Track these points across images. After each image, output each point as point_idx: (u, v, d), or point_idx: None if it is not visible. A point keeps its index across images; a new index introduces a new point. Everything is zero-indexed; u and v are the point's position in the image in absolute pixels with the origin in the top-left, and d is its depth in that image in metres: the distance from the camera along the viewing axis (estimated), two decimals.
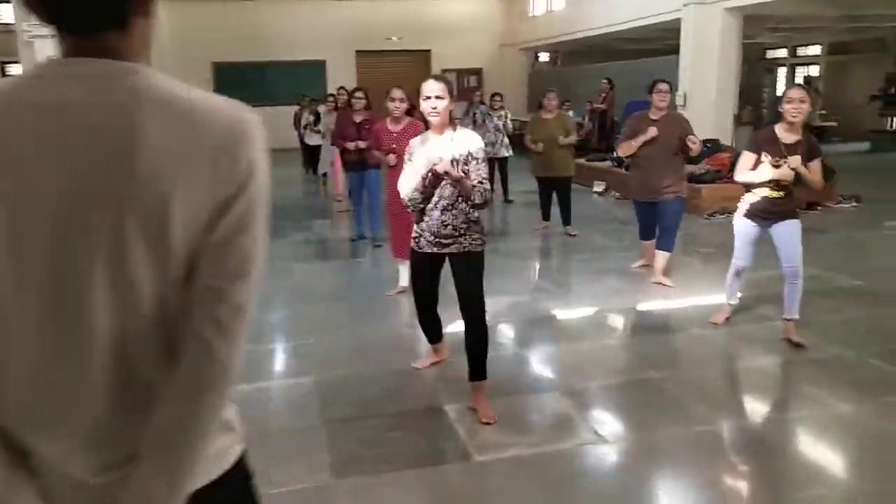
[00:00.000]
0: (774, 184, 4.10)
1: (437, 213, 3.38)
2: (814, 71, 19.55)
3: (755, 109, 14.01)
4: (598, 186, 10.73)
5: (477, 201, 3.32)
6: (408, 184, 3.38)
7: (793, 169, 3.99)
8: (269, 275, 6.32)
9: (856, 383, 3.76)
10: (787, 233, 4.20)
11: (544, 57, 22.25)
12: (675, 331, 4.70)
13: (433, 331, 3.92)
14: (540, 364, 4.15)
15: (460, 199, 3.34)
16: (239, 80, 19.23)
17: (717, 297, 5.23)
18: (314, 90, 19.69)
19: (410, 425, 3.41)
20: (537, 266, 6.58)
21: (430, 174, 3.28)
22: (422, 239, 3.46)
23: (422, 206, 3.40)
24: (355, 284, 6.14)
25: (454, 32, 20.50)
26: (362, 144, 6.86)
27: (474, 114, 10.80)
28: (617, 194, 10.25)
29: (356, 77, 20.14)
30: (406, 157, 3.50)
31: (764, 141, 4.17)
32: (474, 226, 3.41)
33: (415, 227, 3.52)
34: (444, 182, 3.31)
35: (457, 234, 3.38)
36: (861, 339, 4.36)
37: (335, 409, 3.60)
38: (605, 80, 13.77)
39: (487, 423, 3.37)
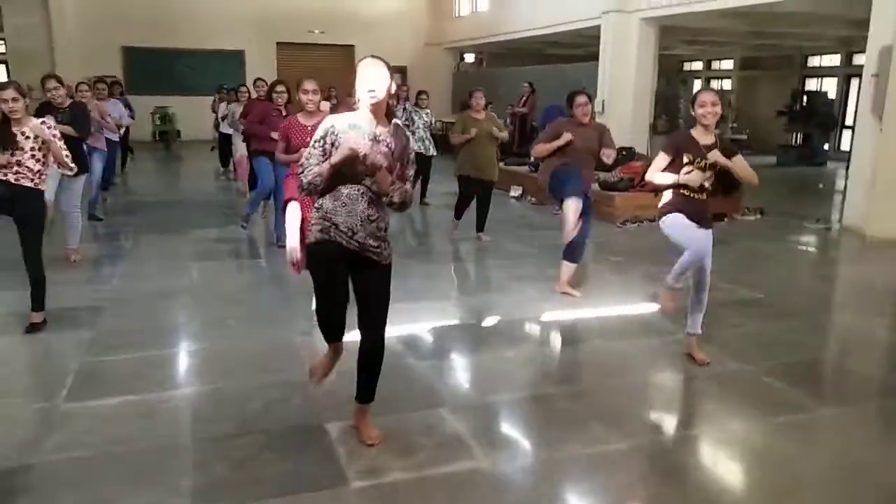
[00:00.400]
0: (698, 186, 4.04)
1: (361, 206, 2.96)
2: (727, 85, 20.23)
3: (670, 119, 14.29)
4: (515, 191, 10.67)
5: (396, 201, 3.00)
6: (311, 167, 2.92)
7: (713, 164, 3.91)
8: (163, 274, 5.93)
9: (752, 401, 3.73)
10: (709, 240, 4.15)
11: (470, 58, 22.21)
12: (578, 343, 4.60)
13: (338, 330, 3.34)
14: (435, 378, 3.93)
15: (384, 196, 2.98)
16: (150, 66, 18.40)
17: (623, 306, 5.19)
18: (232, 81, 18.99)
19: (288, 445, 3.14)
20: (445, 273, 6.39)
21: (347, 161, 2.87)
22: (334, 232, 2.97)
23: (318, 190, 2.97)
24: (255, 286, 5.79)
25: (379, 28, 20.17)
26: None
27: (403, 111, 10.58)
28: (533, 199, 10.21)
29: (276, 69, 19.57)
30: (316, 137, 2.99)
31: (683, 143, 4.06)
32: (386, 233, 3.11)
33: (315, 213, 3.03)
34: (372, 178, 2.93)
35: (380, 234, 3.04)
36: (759, 353, 4.35)
37: (209, 426, 3.30)
38: (526, 84, 13.77)
39: (371, 445, 3.15)
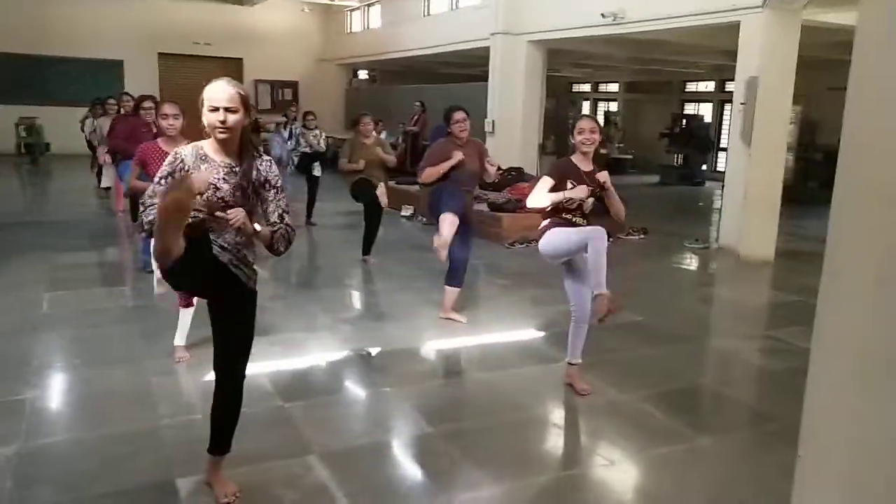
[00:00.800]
0: (578, 210, 3.98)
1: (215, 248, 2.63)
2: (613, 106, 20.98)
3: (558, 139, 14.60)
4: (406, 210, 10.50)
5: (281, 250, 2.75)
6: (154, 206, 2.55)
7: (598, 186, 3.91)
8: (7, 309, 5.32)
9: (633, 432, 3.66)
10: (597, 252, 4.06)
11: (363, 74, 21.99)
12: (460, 375, 4.43)
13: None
14: (304, 421, 3.62)
15: (240, 236, 2.67)
16: (16, 74, 17.05)
17: (508, 332, 5.07)
18: (110, 92, 17.92)
19: None
20: (327, 298, 6.08)
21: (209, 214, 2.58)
22: (180, 275, 2.67)
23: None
24: (112, 319, 5.27)
25: (269, 43, 19.66)
26: None
27: (290, 130, 10.20)
28: (424, 219, 10.06)
29: (158, 81, 18.65)
30: (162, 172, 2.65)
31: (566, 170, 4.02)
32: (249, 257, 2.76)
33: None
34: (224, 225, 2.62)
35: (236, 258, 2.70)
36: (638, 381, 4.32)
37: (30, 492, 2.87)
38: (417, 103, 13.70)
39: None
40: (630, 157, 18.78)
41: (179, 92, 18.44)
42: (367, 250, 7.21)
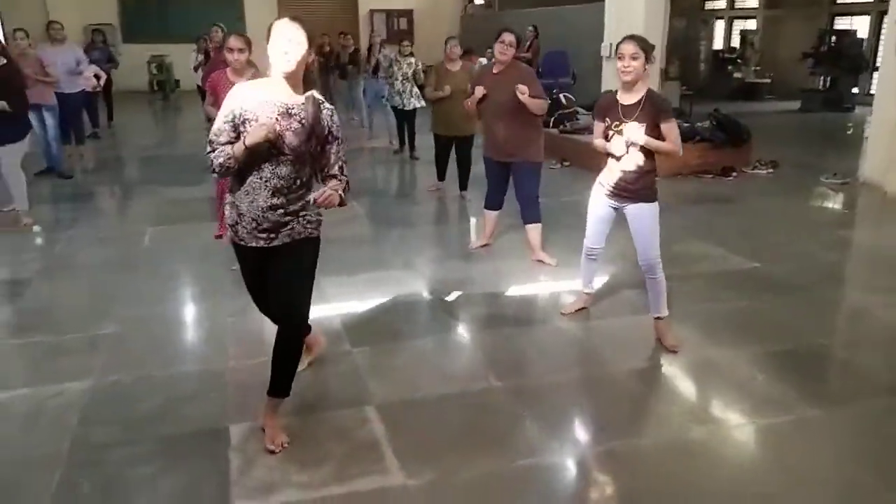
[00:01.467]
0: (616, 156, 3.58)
1: (264, 195, 2.61)
2: (751, 25, 19.08)
3: (684, 63, 13.46)
4: None
5: (346, 204, 2.69)
6: (221, 147, 2.58)
7: (628, 141, 3.45)
8: (113, 241, 5.55)
9: (728, 398, 3.26)
10: (638, 219, 3.64)
11: (481, 0, 21.19)
12: (538, 323, 4.11)
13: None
14: (368, 368, 3.49)
15: (298, 180, 2.65)
16: (146, 13, 17.81)
17: (602, 277, 4.68)
18: (230, 26, 18.34)
19: (175, 455, 2.75)
20: (414, 237, 5.90)
21: (262, 143, 2.52)
22: (240, 227, 2.69)
23: (233, 172, 2.64)
24: (205, 256, 5.34)
25: None
26: None
27: (377, 60, 9.97)
28: None
29: (277, 14, 18.85)
30: (224, 110, 2.62)
31: (605, 106, 3.61)
32: (308, 206, 2.70)
33: (227, 208, 2.74)
34: (282, 158, 2.59)
35: (288, 218, 2.67)
36: (744, 337, 3.85)
37: (92, 430, 2.92)
38: (530, 28, 12.95)
39: (273, 452, 2.75)
40: (768, 81, 17.08)
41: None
42: (462, 185, 6.95)
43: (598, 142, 3.66)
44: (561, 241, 5.24)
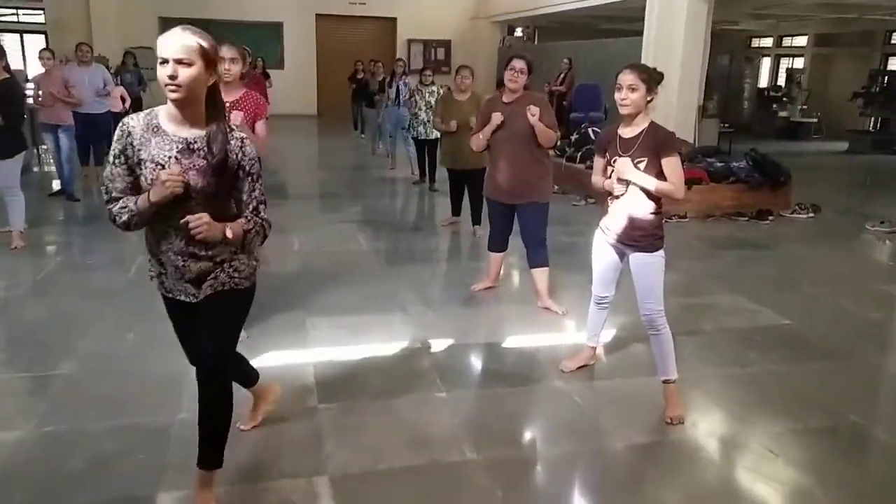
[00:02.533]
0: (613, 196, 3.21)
1: (178, 244, 2.24)
2: (798, 63, 18.47)
3: (725, 100, 12.95)
4: None
5: (257, 246, 2.36)
6: (119, 197, 2.19)
7: (618, 178, 3.10)
8: (101, 267, 5.31)
9: (744, 483, 2.78)
10: (638, 268, 3.22)
11: (520, 32, 21.02)
12: (532, 382, 3.66)
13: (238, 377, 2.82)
14: (326, 430, 3.09)
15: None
16: None
17: (611, 330, 4.23)
18: (270, 53, 18.52)
19: None
20: (420, 274, 5.52)
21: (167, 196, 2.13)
22: (165, 279, 2.35)
23: (143, 226, 2.25)
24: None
25: (423, 1, 19.23)
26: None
27: (398, 87, 9.74)
28: (556, 187, 9.22)
29: (315, 42, 18.96)
30: (114, 150, 2.19)
31: (605, 140, 3.27)
32: (238, 250, 2.34)
33: (149, 258, 2.39)
34: (191, 203, 2.17)
35: (213, 265, 2.31)
36: (765, 408, 3.37)
37: (5, 495, 2.58)
38: (565, 60, 12.65)
39: None
40: (814, 120, 16.43)
41: (335, 52, 18.70)
42: (475, 219, 6.59)
43: (596, 178, 3.30)
44: (575, 286, 4.84)
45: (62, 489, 2.61)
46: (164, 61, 2.04)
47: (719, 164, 8.08)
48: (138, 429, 3.04)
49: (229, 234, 2.20)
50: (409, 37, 19.44)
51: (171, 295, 2.38)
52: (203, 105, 2.17)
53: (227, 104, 3.74)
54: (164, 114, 2.18)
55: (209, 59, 2.09)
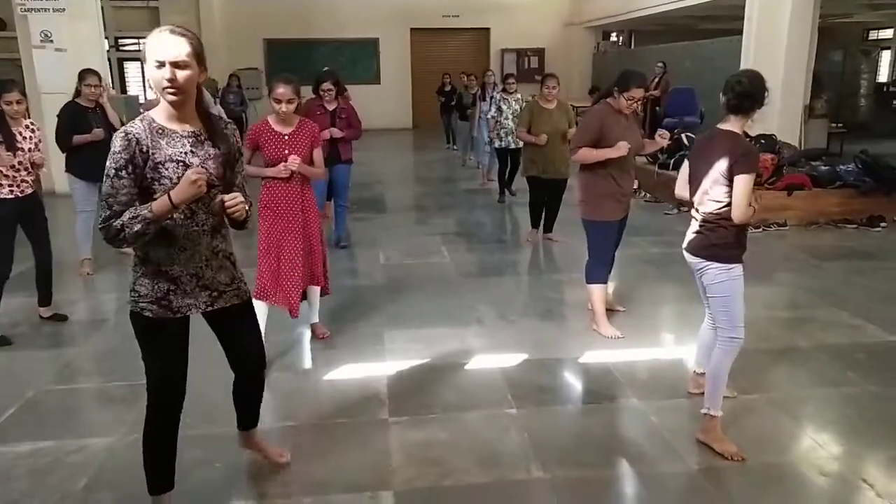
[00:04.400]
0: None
1: (206, 241, 2.32)
2: None
3: (837, 98, 12.14)
4: None
5: (248, 226, 2.42)
6: (124, 209, 2.13)
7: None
8: None
9: None
10: (707, 279, 3.04)
11: (615, 37, 20.60)
12: (606, 399, 3.55)
13: (171, 465, 2.58)
14: (395, 443, 3.13)
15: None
16: (290, 57, 18.73)
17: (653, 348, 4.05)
18: (366, 69, 19.04)
19: None
20: (499, 288, 5.46)
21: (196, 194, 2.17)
22: (174, 296, 2.29)
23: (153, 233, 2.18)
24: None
25: (516, 10, 19.21)
26: (337, 133, 6.02)
27: (490, 97, 9.75)
28: (649, 195, 8.98)
29: (409, 56, 19.31)
30: (115, 163, 2.13)
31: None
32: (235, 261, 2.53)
33: (144, 283, 2.28)
34: (212, 192, 2.26)
35: (234, 271, 2.47)
36: (862, 435, 3.13)
37: (93, 499, 2.76)
38: (659, 64, 12.29)
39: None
40: None
41: (429, 65, 18.95)
42: (549, 227, 6.58)
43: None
44: (671, 300, 4.66)
45: (145, 493, 2.75)
46: (161, 64, 2.09)
47: (824, 168, 7.60)
48: (217, 438, 3.17)
49: (248, 210, 2.34)
50: (502, 46, 19.45)
51: (178, 314, 2.32)
52: (194, 100, 2.25)
53: (286, 136, 3.88)
54: (161, 115, 2.22)
55: (201, 59, 2.18)
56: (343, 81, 6.40)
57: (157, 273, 2.28)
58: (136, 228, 2.10)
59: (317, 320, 4.33)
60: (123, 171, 2.12)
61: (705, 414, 3.02)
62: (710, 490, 2.79)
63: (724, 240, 2.95)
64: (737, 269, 2.97)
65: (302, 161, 3.86)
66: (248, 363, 2.67)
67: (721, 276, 2.96)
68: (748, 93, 2.89)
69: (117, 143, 2.13)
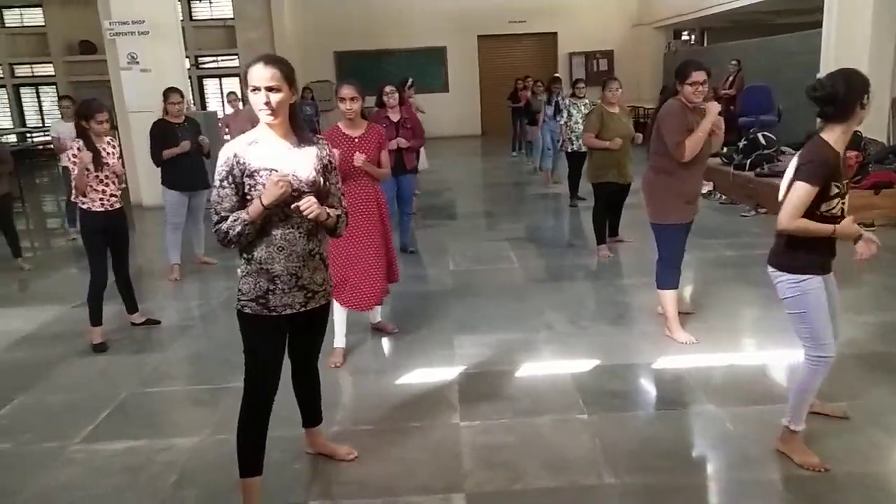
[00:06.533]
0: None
1: (301, 243, 2.53)
2: None
3: None
4: (705, 187, 9.21)
5: (341, 233, 2.71)
6: (228, 214, 2.42)
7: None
8: None
9: None
10: (776, 291, 2.95)
11: (686, 35, 20.14)
12: (680, 406, 3.49)
13: (261, 451, 2.77)
14: (466, 446, 3.18)
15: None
16: (360, 68, 19.11)
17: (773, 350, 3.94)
18: (434, 78, 19.23)
19: None
20: (569, 292, 5.42)
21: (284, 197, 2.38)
22: (273, 296, 2.50)
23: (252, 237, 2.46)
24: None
25: (583, 12, 19.05)
26: (403, 143, 6.18)
27: (557, 102, 9.73)
28: (724, 197, 8.76)
29: (477, 63, 19.41)
30: (220, 173, 2.45)
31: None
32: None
33: (248, 280, 2.51)
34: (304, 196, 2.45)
35: (325, 273, 2.70)
36: None
37: (183, 495, 2.92)
38: (733, 62, 11.95)
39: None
40: None
41: (496, 71, 19.03)
42: (614, 230, 6.58)
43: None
44: (749, 303, 4.56)
45: (229, 490, 2.89)
46: (256, 89, 2.38)
47: None
48: (295, 440, 3.27)
49: (331, 213, 2.55)
50: (569, 50, 19.32)
51: (274, 313, 2.52)
52: (288, 119, 2.50)
53: (355, 139, 4.04)
54: (259, 131, 2.50)
55: (291, 82, 2.44)
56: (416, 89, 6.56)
57: (259, 272, 2.50)
58: (237, 229, 2.39)
59: (380, 318, 4.59)
60: (225, 182, 2.44)
61: (786, 426, 2.94)
62: (791, 499, 2.72)
63: (794, 248, 2.81)
64: (811, 282, 2.78)
65: (371, 162, 4.09)
66: (311, 356, 2.92)
67: (792, 290, 2.81)
68: (828, 97, 2.67)
69: (221, 157, 2.46)
